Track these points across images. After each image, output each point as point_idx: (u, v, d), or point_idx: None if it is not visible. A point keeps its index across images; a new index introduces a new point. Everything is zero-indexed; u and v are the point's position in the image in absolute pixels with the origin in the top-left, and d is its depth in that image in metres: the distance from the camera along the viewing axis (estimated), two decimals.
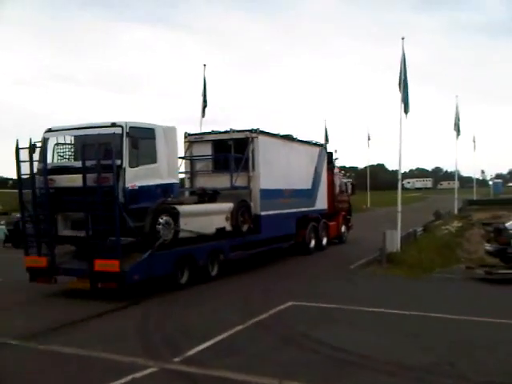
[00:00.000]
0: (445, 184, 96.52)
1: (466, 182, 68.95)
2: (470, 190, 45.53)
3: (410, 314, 8.76)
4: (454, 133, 29.68)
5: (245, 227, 13.24)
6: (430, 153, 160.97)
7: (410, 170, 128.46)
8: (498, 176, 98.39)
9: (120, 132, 9.75)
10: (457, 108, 29.39)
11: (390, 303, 9.70)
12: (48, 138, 10.66)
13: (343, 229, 20.26)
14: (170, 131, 11.28)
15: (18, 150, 10.32)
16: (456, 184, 32.75)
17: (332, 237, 19.06)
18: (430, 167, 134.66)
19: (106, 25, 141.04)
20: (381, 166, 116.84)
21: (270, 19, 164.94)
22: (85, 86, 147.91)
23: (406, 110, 14.74)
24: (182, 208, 10.92)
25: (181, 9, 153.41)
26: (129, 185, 9.80)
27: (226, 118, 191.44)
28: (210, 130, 15.21)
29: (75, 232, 10.37)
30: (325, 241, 18.24)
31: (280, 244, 15.56)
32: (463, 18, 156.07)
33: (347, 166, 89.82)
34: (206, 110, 19.34)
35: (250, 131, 13.85)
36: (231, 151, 13.61)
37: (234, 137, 13.84)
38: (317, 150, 17.78)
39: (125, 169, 9.70)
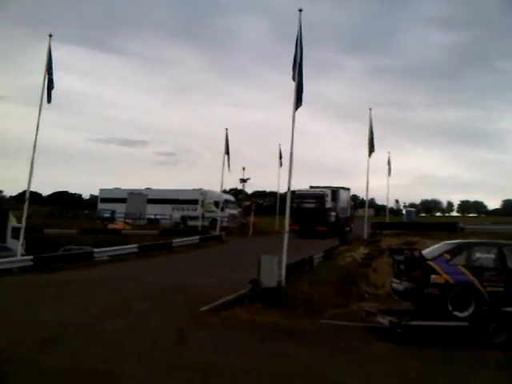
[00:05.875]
0: (360, 211, 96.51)
1: (380, 210, 68.01)
2: (384, 218, 43.75)
3: None
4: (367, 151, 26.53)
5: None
6: (348, 181, 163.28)
7: None
8: (412, 205, 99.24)
9: (324, 192, 35.94)
10: (370, 122, 26.40)
11: None
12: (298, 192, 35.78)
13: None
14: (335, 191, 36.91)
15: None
16: (366, 210, 29.56)
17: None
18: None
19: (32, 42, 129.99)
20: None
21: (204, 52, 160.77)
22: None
23: (298, 105, 13.80)
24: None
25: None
26: (327, 206, 35.50)
27: (150, 139, 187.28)
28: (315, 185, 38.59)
29: (306, 220, 33.42)
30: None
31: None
32: (383, 62, 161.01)
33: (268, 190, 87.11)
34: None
35: (327, 187, 37.54)
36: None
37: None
38: (348, 191, 43.24)
39: (327, 203, 35.43)
